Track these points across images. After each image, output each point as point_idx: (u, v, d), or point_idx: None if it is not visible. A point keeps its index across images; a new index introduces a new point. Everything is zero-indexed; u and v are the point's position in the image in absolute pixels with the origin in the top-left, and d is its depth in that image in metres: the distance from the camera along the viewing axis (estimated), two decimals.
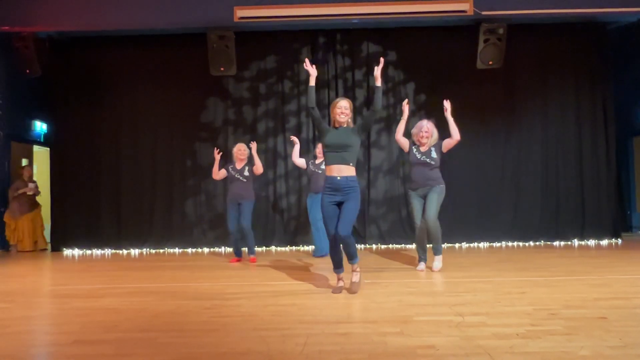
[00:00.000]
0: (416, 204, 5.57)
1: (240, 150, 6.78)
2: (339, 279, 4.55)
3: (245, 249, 6.97)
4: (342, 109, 4.45)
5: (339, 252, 4.48)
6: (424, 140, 5.56)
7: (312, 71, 4.52)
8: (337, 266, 4.51)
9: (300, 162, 6.91)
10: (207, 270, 6.08)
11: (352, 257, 4.45)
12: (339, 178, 4.33)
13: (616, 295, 4.14)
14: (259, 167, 6.70)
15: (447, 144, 5.59)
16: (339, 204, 4.36)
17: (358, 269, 4.52)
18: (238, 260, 6.78)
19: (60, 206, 8.70)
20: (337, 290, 4.44)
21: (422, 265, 5.70)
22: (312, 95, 4.49)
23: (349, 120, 4.48)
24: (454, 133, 5.52)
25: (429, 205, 5.45)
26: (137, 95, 8.70)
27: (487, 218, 8.38)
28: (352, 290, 4.41)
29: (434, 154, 5.54)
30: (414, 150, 5.62)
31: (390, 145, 8.58)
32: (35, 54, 7.94)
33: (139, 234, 8.57)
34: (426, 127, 5.57)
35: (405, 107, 5.67)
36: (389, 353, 2.73)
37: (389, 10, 7.64)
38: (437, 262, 5.60)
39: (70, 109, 8.70)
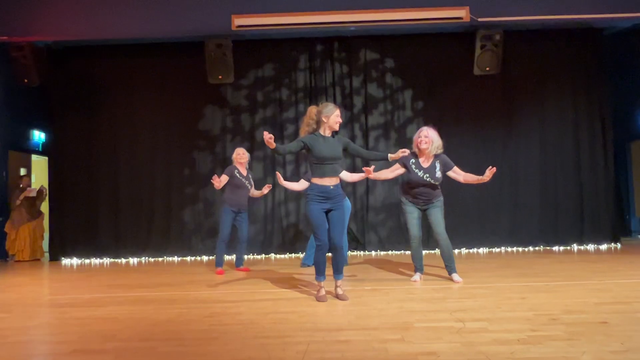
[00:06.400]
0: (416, 216, 5.26)
1: (239, 155, 6.43)
2: (322, 287, 4.50)
3: (232, 258, 6.60)
4: (340, 117, 4.53)
5: (325, 260, 4.51)
6: (422, 146, 5.11)
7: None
8: (322, 273, 4.47)
9: (300, 185, 5.64)
10: (206, 279, 6.05)
11: (341, 271, 4.52)
12: (331, 187, 4.42)
13: (617, 299, 4.13)
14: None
15: (451, 174, 5.25)
16: (327, 212, 4.43)
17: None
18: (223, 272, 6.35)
19: (59, 215, 8.68)
20: (323, 298, 4.40)
21: (417, 276, 5.38)
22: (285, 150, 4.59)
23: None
24: (466, 179, 5.21)
25: (438, 222, 5.17)
26: (135, 104, 8.71)
27: (486, 223, 8.39)
28: (345, 297, 4.41)
29: (438, 174, 5.15)
30: (414, 168, 5.16)
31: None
32: (33, 63, 7.95)
33: (138, 242, 8.55)
34: (426, 132, 5.13)
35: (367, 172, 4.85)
36: None
37: (386, 18, 7.69)
38: (457, 277, 5.26)
39: (69, 118, 8.70)
